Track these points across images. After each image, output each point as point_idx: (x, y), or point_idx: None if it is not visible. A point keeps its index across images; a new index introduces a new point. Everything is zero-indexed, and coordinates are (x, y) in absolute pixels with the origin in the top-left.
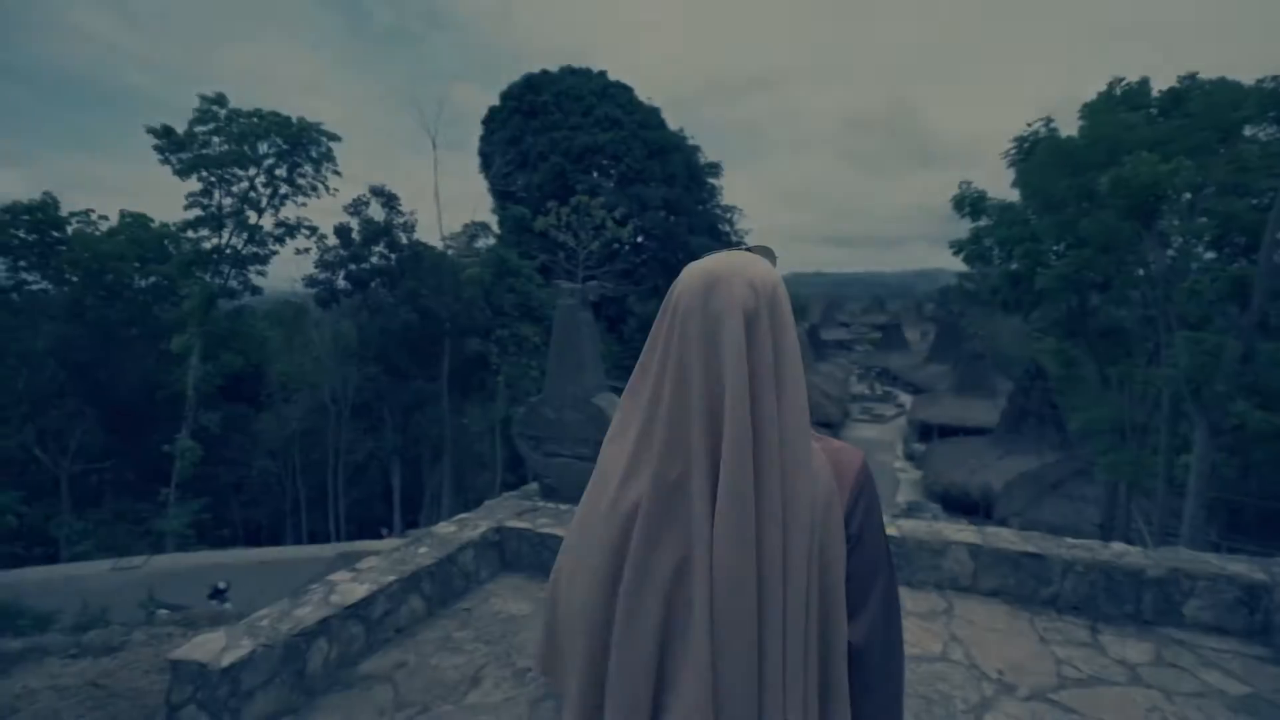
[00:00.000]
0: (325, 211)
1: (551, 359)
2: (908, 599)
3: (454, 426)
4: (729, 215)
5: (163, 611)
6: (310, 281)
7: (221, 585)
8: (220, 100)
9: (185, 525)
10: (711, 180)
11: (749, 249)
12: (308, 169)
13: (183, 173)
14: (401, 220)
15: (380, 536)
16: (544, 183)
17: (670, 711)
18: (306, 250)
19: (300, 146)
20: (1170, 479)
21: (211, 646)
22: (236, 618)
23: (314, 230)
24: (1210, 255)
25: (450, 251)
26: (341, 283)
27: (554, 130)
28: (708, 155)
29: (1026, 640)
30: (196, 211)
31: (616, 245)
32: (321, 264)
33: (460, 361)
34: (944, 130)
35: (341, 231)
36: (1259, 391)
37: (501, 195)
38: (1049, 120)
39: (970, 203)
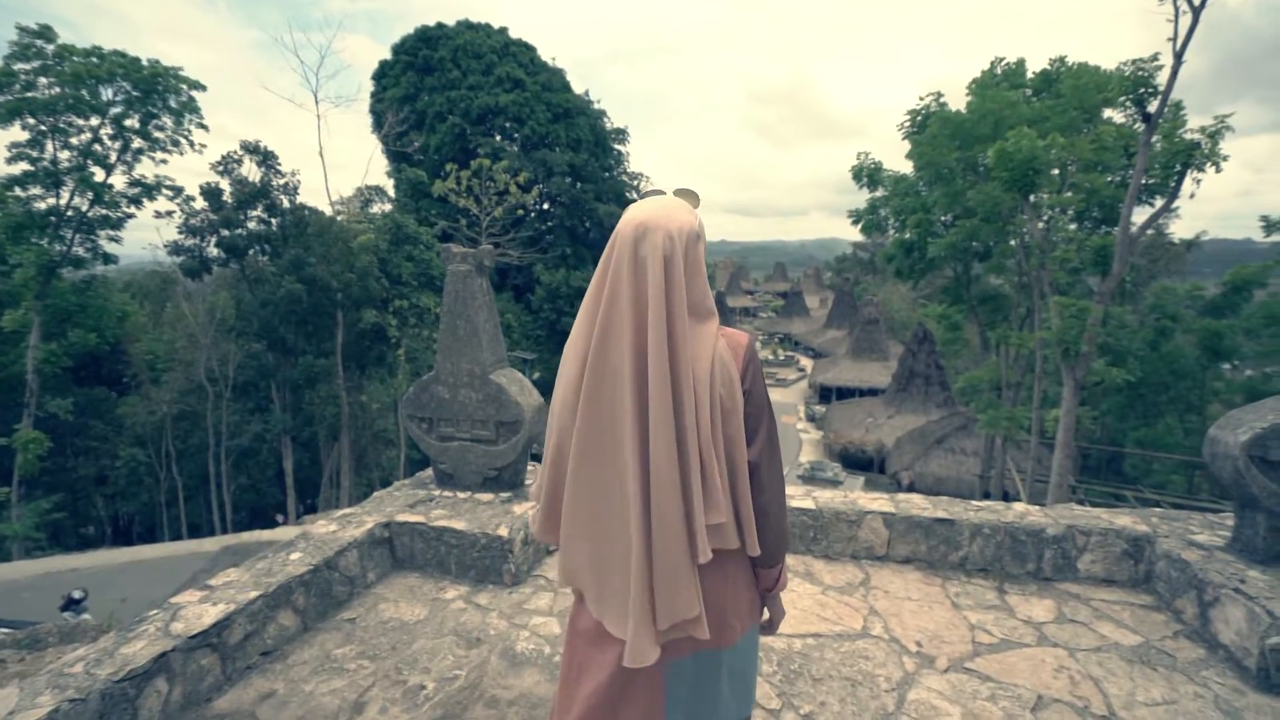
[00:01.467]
0: (191, 171)
1: (443, 332)
2: (826, 573)
3: (352, 404)
4: (636, 182)
5: (1, 631)
6: (175, 249)
7: (77, 595)
8: (46, 33)
9: (33, 527)
10: (618, 146)
11: (676, 191)
12: (166, 121)
13: (1, 119)
14: (282, 181)
15: (275, 524)
16: (442, 145)
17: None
18: (170, 214)
19: (155, 94)
20: (1041, 431)
21: None
22: (96, 631)
23: (178, 191)
24: (1072, 226)
25: (340, 216)
26: (213, 250)
27: (452, 89)
28: (614, 121)
29: (941, 607)
30: (24, 166)
31: (521, 211)
32: (188, 229)
33: (355, 335)
34: (841, 103)
35: (210, 193)
36: (1111, 350)
37: (396, 157)
38: (939, 95)
39: (868, 174)
